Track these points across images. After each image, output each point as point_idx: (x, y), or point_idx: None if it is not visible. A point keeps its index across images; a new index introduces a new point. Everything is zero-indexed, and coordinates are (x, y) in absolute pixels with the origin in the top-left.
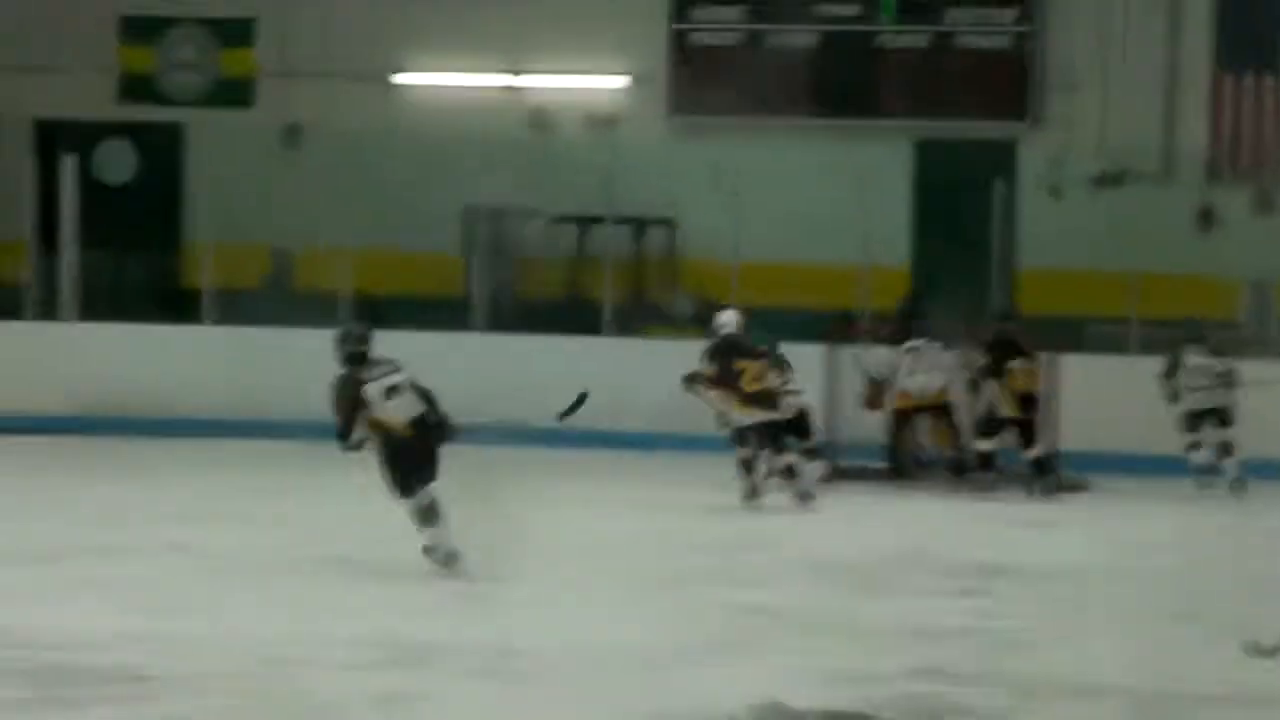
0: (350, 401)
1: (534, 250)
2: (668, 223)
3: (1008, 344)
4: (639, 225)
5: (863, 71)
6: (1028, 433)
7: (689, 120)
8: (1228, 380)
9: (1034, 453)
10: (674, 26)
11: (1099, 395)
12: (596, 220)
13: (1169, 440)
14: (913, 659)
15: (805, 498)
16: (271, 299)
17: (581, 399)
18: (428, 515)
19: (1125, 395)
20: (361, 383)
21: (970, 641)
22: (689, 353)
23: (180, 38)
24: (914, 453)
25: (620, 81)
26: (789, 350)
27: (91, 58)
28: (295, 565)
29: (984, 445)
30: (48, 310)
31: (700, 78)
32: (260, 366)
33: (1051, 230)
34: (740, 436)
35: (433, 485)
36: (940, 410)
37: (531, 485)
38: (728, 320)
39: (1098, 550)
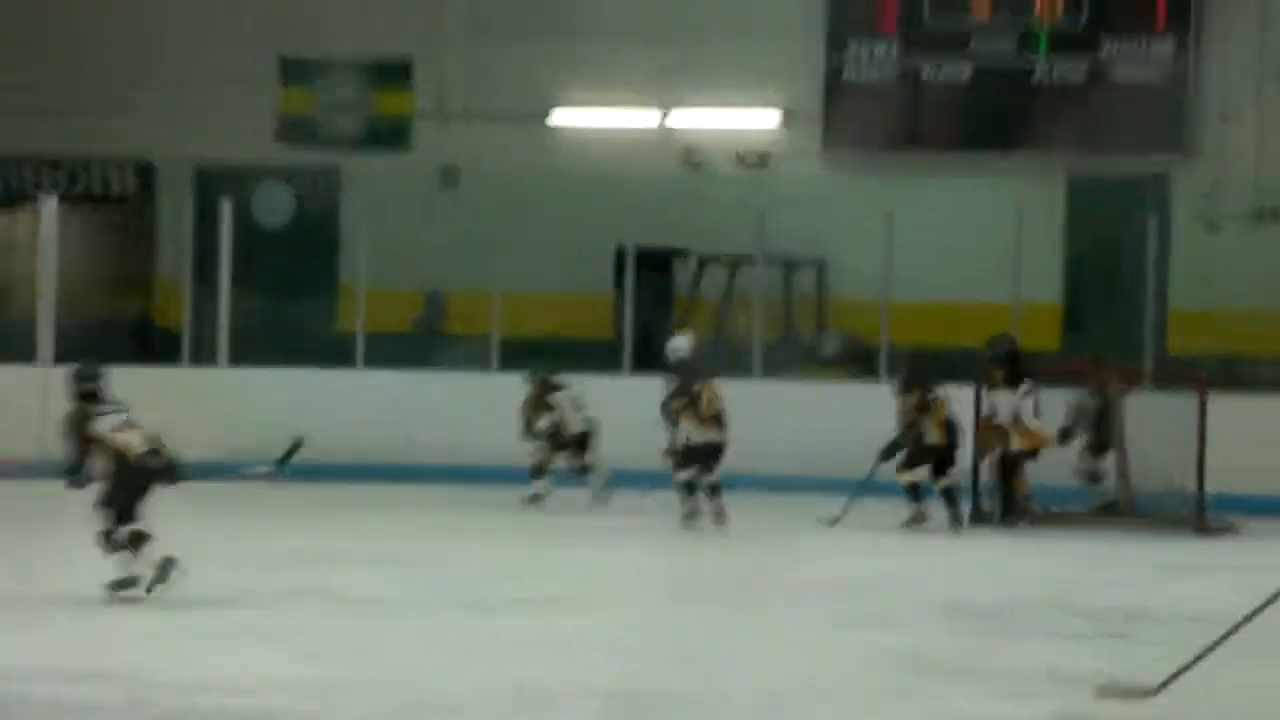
0: (80, 433)
1: (686, 290)
2: (818, 262)
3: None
4: (789, 265)
5: (1017, 105)
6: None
7: (842, 155)
8: None
9: (945, 482)
10: (828, 63)
11: (1253, 437)
12: (746, 259)
13: None
14: (1055, 703)
15: (720, 517)
16: (423, 342)
17: (297, 445)
18: (138, 541)
19: None
20: (90, 416)
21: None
22: (838, 394)
23: (337, 80)
24: (1027, 494)
25: (773, 117)
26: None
27: (250, 100)
28: (443, 609)
29: (909, 476)
30: (203, 355)
31: (854, 113)
32: (410, 410)
33: (1206, 266)
34: (687, 456)
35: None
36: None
37: (658, 525)
38: (682, 345)
39: (1243, 596)
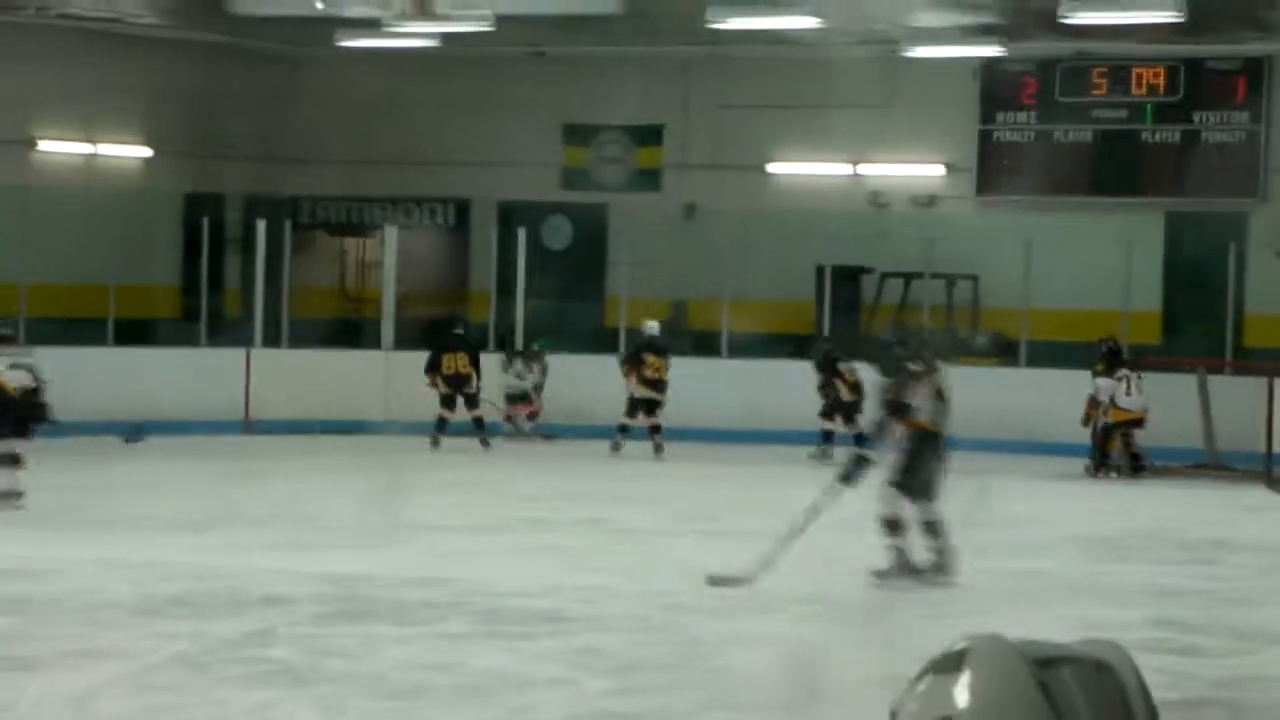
0: None
1: (869, 300)
2: (972, 278)
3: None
4: (950, 280)
5: (1128, 160)
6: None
7: (992, 199)
8: None
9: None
10: (981, 127)
11: None
12: (917, 276)
13: None
14: (1152, 612)
15: (659, 450)
16: (670, 336)
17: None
18: (6, 461)
19: None
20: None
21: (1200, 599)
22: (984, 377)
23: (607, 139)
24: (1129, 455)
25: (939, 170)
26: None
27: (541, 155)
28: (678, 535)
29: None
30: (504, 344)
31: (1001, 166)
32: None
33: (1275, 282)
34: (632, 406)
35: (18, 441)
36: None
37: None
38: (650, 327)
39: None
